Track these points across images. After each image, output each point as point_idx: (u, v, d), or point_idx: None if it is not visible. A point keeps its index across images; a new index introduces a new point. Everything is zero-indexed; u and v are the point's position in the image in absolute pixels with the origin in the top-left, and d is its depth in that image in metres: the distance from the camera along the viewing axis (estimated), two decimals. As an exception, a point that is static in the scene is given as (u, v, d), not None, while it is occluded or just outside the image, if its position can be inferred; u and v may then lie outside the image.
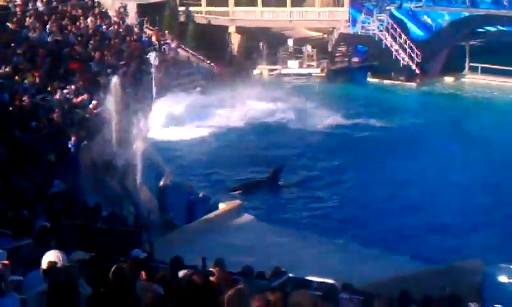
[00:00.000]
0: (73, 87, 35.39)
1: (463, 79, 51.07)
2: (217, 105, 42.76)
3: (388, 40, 51.74)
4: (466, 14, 50.85)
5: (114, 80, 35.03)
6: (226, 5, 56.98)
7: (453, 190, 30.43)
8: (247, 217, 26.42)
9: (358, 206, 29.51)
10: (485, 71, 50.40)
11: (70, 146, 28.53)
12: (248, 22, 56.74)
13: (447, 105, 45.37)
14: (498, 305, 16.74)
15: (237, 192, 30.15)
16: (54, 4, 45.45)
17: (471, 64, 51.58)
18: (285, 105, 43.91)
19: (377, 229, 26.80)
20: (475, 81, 50.17)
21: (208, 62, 52.27)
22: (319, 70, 53.81)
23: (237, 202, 26.98)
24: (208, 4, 57.49)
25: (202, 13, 57.40)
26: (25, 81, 33.87)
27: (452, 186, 30.97)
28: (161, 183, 27.55)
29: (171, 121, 39.59)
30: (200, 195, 27.72)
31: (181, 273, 12.18)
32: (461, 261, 21.75)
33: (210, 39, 54.35)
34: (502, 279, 21.74)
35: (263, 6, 56.55)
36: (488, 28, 51.21)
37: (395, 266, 21.95)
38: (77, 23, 44.31)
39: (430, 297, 15.74)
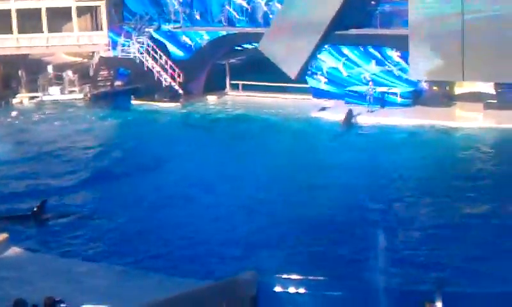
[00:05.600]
0: None
1: (225, 97, 52.07)
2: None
3: (149, 62, 51.92)
4: (224, 33, 51.92)
5: None
6: (-21, 33, 55.04)
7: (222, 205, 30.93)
8: (15, 250, 25.54)
9: (126, 228, 29.19)
10: (245, 88, 51.75)
11: None
12: (4, 49, 54.94)
13: (208, 123, 46.12)
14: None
15: None
16: None
17: (232, 81, 52.73)
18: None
19: (149, 251, 26.66)
20: (237, 98, 51.33)
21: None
22: (81, 95, 53.08)
23: (4, 235, 25.98)
24: (-40, 34, 55.24)
25: (-45, 43, 55.07)
26: None
27: (220, 199, 31.50)
28: None
29: None
30: None
31: None
32: (235, 274, 21.99)
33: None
34: (277, 289, 22.28)
35: (19, 33, 54.98)
36: (246, 46, 52.60)
37: (172, 286, 21.89)
38: None
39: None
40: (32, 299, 17.93)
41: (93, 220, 30.15)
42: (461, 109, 44.35)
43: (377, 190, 32.07)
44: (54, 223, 29.94)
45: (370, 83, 45.89)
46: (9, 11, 54.65)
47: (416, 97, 45.97)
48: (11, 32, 55.01)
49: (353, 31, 47.59)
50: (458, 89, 46.19)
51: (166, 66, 51.65)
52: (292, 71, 48.37)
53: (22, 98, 52.91)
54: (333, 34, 47.54)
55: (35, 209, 30.46)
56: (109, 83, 55.35)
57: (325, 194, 31.56)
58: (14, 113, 49.99)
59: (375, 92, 45.49)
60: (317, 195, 31.47)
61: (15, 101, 52.59)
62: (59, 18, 55.45)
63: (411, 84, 46.13)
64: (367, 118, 44.10)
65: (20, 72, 54.08)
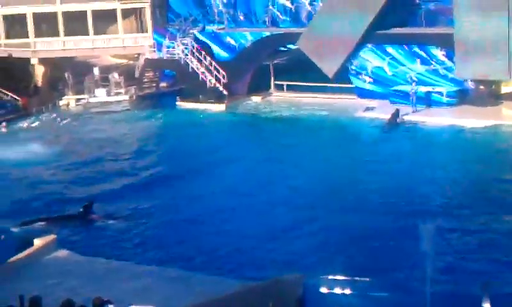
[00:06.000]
0: None
1: (270, 97, 52.11)
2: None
3: (194, 63, 52.13)
4: (268, 33, 51.97)
5: None
6: (27, 36, 55.71)
7: (266, 207, 30.90)
8: (63, 252, 25.76)
9: (175, 230, 29.28)
10: (290, 88, 51.76)
11: None
12: (51, 52, 55.65)
13: (253, 123, 46.27)
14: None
15: (39, 224, 29.19)
16: None
17: (276, 82, 52.75)
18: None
19: (198, 252, 26.72)
20: (281, 98, 51.34)
21: (12, 96, 51.07)
22: (127, 97, 53.51)
23: (53, 236, 26.23)
24: (7, 37, 56.08)
25: (2, 46, 55.83)
26: None
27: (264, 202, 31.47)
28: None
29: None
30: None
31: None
32: (282, 275, 22.01)
33: (12, 73, 53.14)
34: (323, 290, 22.23)
35: (65, 36, 55.63)
36: (290, 46, 52.59)
37: (219, 287, 21.94)
38: None
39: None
40: (80, 300, 18.06)
41: (140, 222, 30.29)
42: (507, 107, 43.81)
43: (423, 190, 31.87)
44: (101, 225, 30.16)
45: (413, 83, 45.62)
46: (55, 14, 55.30)
47: (462, 96, 45.56)
48: (57, 35, 55.67)
49: (397, 30, 47.33)
50: (505, 88, 45.72)
51: (210, 67, 51.81)
52: (330, 69, 48.25)
53: (69, 100, 53.50)
54: (375, 34, 47.34)
55: (81, 210, 30.73)
56: (154, 84, 55.69)
57: (371, 194, 31.47)
58: (62, 118, 50.32)
59: (418, 92, 45.20)
60: (363, 195, 31.39)
61: (61, 103, 53.22)
62: (104, 20, 56.02)
63: (457, 83, 45.75)
64: (412, 117, 43.84)
65: (66, 74, 54.62)
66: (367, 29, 47.20)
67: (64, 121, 49.02)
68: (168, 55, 53.56)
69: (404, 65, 47.44)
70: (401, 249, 25.53)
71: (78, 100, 53.63)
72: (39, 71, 55.55)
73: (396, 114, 43.73)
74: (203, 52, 52.09)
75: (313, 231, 27.98)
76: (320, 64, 48.33)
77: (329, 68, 48.25)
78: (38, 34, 55.92)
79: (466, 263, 24.58)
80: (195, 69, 52.09)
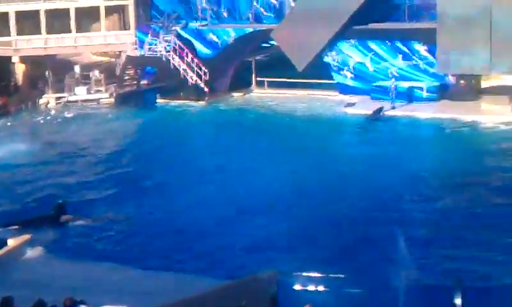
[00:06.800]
0: None
1: (251, 94, 52.03)
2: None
3: (175, 60, 51.93)
4: (251, 29, 51.84)
5: None
6: (9, 34, 55.34)
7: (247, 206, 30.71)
8: (38, 251, 25.63)
9: (149, 231, 28.97)
10: (271, 84, 51.73)
11: None
12: (32, 50, 55.31)
13: (235, 120, 46.06)
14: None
15: (13, 227, 28.79)
16: None
17: (258, 78, 52.69)
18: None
19: (172, 252, 26.53)
20: (262, 95, 51.32)
21: (-9, 95, 50.97)
22: (107, 95, 53.17)
23: (27, 237, 26.03)
24: (-12, 35, 55.75)
25: (-17, 45, 55.59)
26: None
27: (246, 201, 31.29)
28: None
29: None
30: None
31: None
32: (256, 273, 21.89)
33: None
34: (297, 287, 22.15)
35: (47, 34, 55.27)
36: (272, 42, 52.46)
37: (193, 285, 21.84)
38: None
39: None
40: (52, 300, 17.94)
41: (114, 223, 29.91)
42: (487, 102, 43.97)
43: (402, 185, 31.79)
44: (73, 225, 29.76)
45: (393, 79, 45.73)
46: (38, 11, 54.95)
47: (443, 91, 45.67)
48: (39, 32, 55.31)
49: (379, 25, 47.16)
50: (485, 83, 45.95)
51: (192, 64, 51.63)
52: (301, 63, 47.88)
53: (49, 99, 53.11)
54: (358, 29, 47.11)
55: (53, 211, 30.29)
56: (135, 82, 55.36)
57: (349, 189, 31.39)
58: (41, 117, 49.93)
59: (398, 87, 45.29)
60: (342, 191, 31.28)
61: (41, 102, 52.85)
62: (87, 18, 55.70)
63: (438, 78, 45.81)
64: (392, 112, 43.97)
65: (47, 72, 54.26)
66: (343, 24, 46.94)
67: (43, 120, 48.66)
68: (150, 53, 53.31)
69: (386, 60, 47.44)
70: (375, 243, 25.53)
71: (58, 98, 53.16)
72: (19, 69, 55.13)
73: (379, 109, 43.81)
74: (185, 49, 51.88)
75: (286, 226, 27.79)
76: (291, 56, 48.07)
77: (299, 61, 47.88)
78: (20, 32, 55.57)
79: (442, 256, 24.55)
80: (176, 66, 51.90)
